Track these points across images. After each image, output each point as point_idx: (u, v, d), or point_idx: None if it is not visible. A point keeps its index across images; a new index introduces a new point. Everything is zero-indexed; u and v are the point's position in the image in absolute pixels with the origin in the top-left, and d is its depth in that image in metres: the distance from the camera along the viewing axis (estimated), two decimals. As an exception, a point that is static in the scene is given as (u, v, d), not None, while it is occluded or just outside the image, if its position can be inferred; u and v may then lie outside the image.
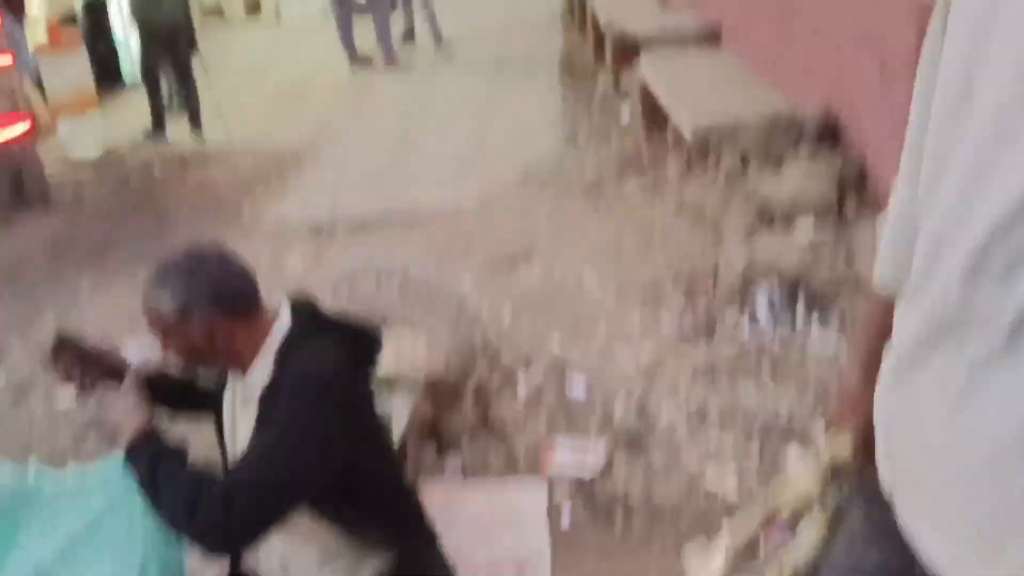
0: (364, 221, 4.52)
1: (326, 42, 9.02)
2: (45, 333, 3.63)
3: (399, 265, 2.72)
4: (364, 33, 8.26)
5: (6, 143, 4.92)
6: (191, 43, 6.66)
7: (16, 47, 5.92)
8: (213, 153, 6.06)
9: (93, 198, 5.33)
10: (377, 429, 1.87)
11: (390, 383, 2.44)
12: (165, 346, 1.68)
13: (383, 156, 5.96)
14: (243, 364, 1.71)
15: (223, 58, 9.16)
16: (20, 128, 5.03)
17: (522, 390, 2.88)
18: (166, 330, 1.64)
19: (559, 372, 2.97)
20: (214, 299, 1.64)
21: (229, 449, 1.79)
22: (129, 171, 5.80)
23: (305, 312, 1.80)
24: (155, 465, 1.53)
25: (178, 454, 1.58)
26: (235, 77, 8.51)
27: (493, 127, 6.37)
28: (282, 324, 1.74)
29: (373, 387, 1.85)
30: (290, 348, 1.70)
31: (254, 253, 4.20)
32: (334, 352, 1.69)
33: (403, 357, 2.60)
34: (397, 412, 2.46)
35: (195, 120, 6.75)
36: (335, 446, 1.61)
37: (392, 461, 1.92)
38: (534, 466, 2.58)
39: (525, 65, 7.71)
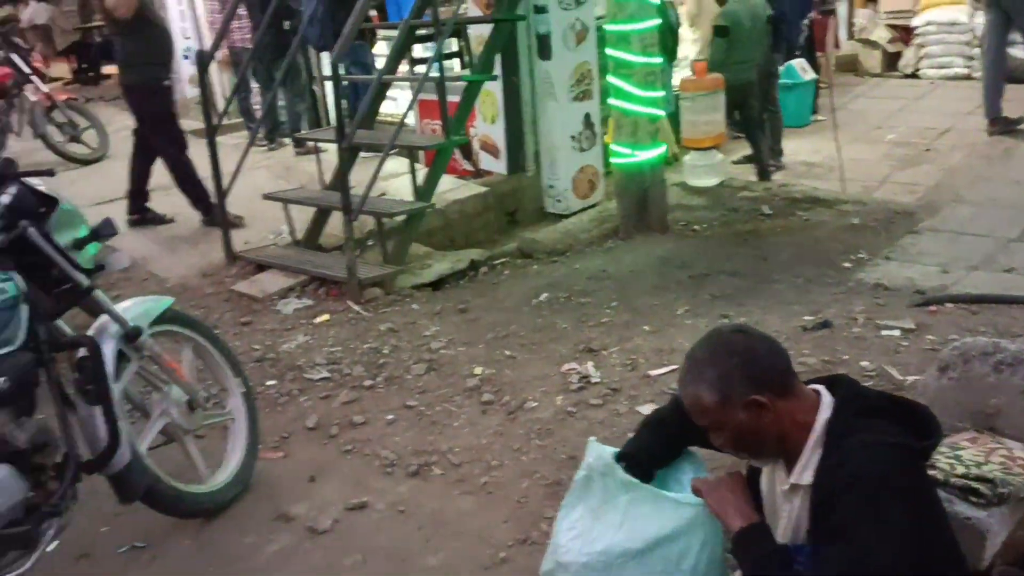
0: (981, 296, 4.02)
1: (963, 102, 8.35)
2: (638, 344, 3.96)
3: (1024, 356, 2.30)
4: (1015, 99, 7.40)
5: (644, 163, 5.44)
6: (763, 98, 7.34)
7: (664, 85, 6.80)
8: (824, 199, 5.97)
9: (703, 227, 5.63)
10: (943, 527, 1.65)
11: (995, 487, 2.08)
12: (716, 440, 1.71)
13: (1012, 228, 5.27)
14: (789, 449, 1.65)
15: (851, 110, 9.08)
16: (657, 152, 5.53)
17: None
18: (713, 423, 1.67)
19: None
20: (750, 379, 1.62)
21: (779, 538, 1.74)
22: (739, 204, 6.00)
23: (847, 394, 1.66)
24: (765, 563, 1.61)
25: (784, 554, 1.62)
26: (859, 128, 8.35)
27: None
28: (824, 407, 1.64)
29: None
30: (837, 434, 1.59)
31: (848, 312, 4.01)
32: (889, 439, 1.53)
33: (1016, 463, 2.20)
34: (994, 525, 2.09)
35: (760, 171, 7.12)
36: (907, 553, 1.45)
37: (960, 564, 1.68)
38: None
39: None
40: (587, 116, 6.45)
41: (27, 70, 7.66)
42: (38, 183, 2.56)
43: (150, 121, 5.78)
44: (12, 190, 2.46)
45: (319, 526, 2.84)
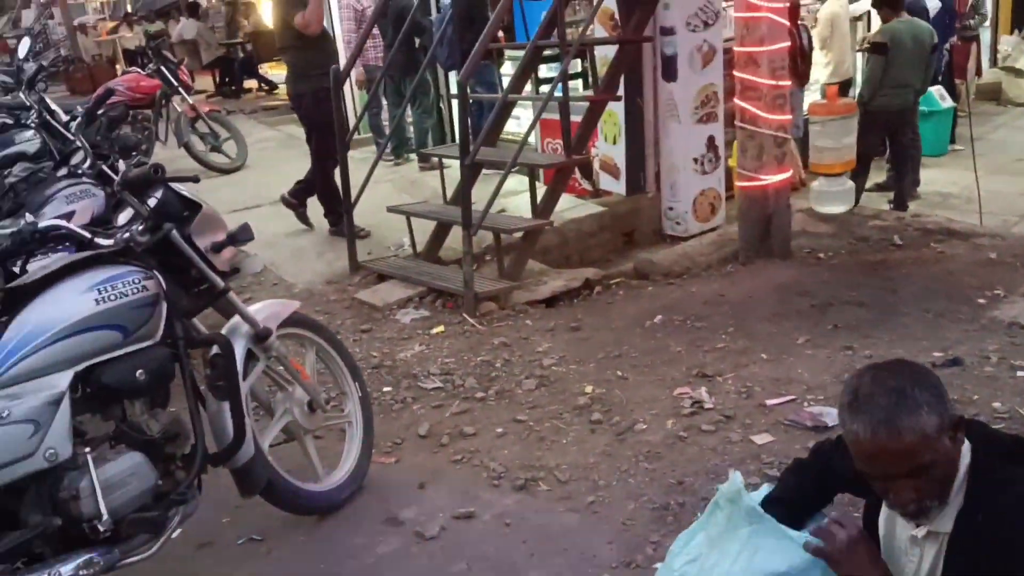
0: None
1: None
2: (754, 371, 3.87)
3: None
4: None
5: (768, 187, 5.32)
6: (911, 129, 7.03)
7: (794, 108, 6.58)
8: (959, 231, 5.70)
9: (828, 255, 5.46)
10: None
11: None
12: (912, 487, 1.49)
13: None
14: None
15: (992, 140, 8.66)
16: (782, 177, 5.40)
17: None
18: (927, 459, 1.46)
19: None
20: (947, 398, 1.51)
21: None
22: (868, 233, 5.80)
23: (982, 438, 1.56)
24: None
25: None
26: (999, 159, 7.95)
27: None
28: (964, 453, 1.54)
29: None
30: (980, 482, 1.50)
31: (980, 350, 3.82)
32: None
33: None
34: None
35: (899, 202, 6.83)
36: None
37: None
38: None
39: None
40: (711, 138, 6.38)
41: (175, 82, 8.15)
42: (183, 188, 2.72)
43: (315, 128, 5.98)
44: (158, 194, 2.63)
45: (427, 532, 2.90)
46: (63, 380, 2.27)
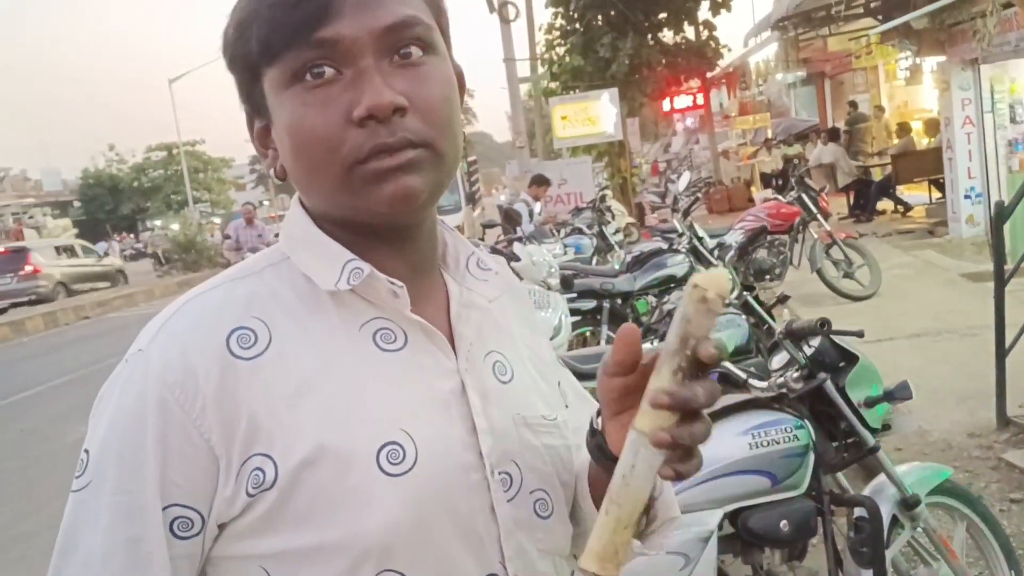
0: None
1: None
2: None
3: None
4: None
5: None
6: None
7: None
8: None
9: None
10: None
11: None
12: None
13: None
14: None
15: None
16: None
17: None
18: None
19: None
20: None
21: None
22: None
23: None
24: None
25: None
26: None
27: None
28: None
29: None
30: None
31: None
32: None
33: None
34: None
35: None
36: None
37: None
38: None
39: None
40: None
41: (814, 210, 8.31)
42: (841, 340, 2.67)
43: None
44: (814, 342, 2.63)
45: None
46: (713, 518, 2.37)
